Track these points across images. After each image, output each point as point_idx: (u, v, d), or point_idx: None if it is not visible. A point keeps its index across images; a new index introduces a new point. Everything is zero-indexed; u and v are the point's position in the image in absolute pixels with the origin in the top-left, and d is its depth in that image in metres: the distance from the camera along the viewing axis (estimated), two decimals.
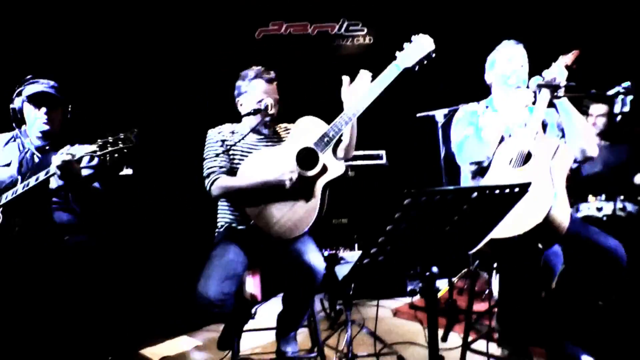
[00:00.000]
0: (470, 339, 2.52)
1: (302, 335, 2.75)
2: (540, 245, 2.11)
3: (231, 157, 2.51)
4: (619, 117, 3.05)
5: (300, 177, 2.31)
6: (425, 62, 2.33)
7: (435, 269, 1.57)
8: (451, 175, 3.39)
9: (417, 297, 3.66)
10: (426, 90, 4.39)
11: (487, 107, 2.58)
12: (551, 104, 2.32)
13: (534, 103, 2.35)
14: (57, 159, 2.21)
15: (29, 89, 2.51)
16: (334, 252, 3.67)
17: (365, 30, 4.96)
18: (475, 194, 1.36)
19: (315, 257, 2.29)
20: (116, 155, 2.17)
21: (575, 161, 2.33)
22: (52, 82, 2.57)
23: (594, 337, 2.43)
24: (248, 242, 2.44)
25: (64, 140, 2.60)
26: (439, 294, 3.58)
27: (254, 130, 2.55)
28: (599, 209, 3.24)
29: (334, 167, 2.32)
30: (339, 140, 2.36)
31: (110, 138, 2.17)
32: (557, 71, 2.27)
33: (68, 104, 2.62)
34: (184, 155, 3.15)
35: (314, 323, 2.59)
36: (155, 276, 3.47)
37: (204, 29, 4.79)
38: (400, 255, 1.49)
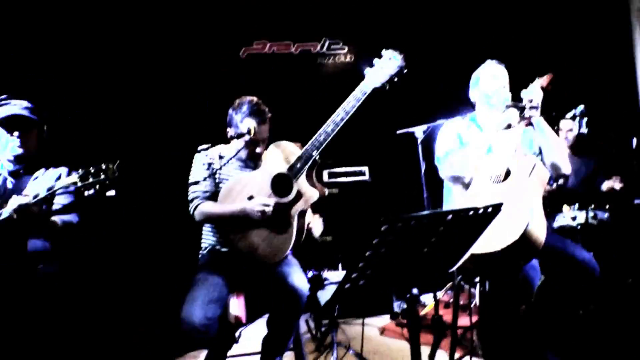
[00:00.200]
0: (456, 356, 2.52)
1: (288, 359, 2.72)
2: (520, 262, 2.14)
3: (217, 181, 2.51)
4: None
5: (277, 204, 2.30)
6: (396, 79, 2.29)
7: (415, 291, 1.58)
8: (432, 189, 3.41)
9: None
10: (406, 107, 4.44)
11: (471, 122, 2.62)
12: (530, 123, 2.38)
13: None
14: (14, 201, 2.14)
15: (1, 112, 2.41)
16: (317, 273, 3.66)
17: (347, 48, 5.04)
18: (450, 216, 1.37)
19: (298, 279, 2.29)
20: (97, 187, 2.12)
21: (550, 178, 2.39)
22: (25, 103, 2.48)
23: (574, 346, 2.47)
24: (232, 264, 2.42)
25: (38, 163, 2.52)
26: (425, 310, 3.58)
27: (238, 155, 2.54)
28: (574, 218, 3.38)
29: (308, 194, 2.30)
30: (316, 164, 2.36)
31: (92, 169, 2.11)
32: (534, 92, 2.33)
33: (43, 124, 2.53)
34: (168, 176, 3.14)
35: (299, 346, 2.56)
36: (138, 301, 3.43)
37: (188, 48, 4.82)
38: (381, 278, 1.50)
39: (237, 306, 3.54)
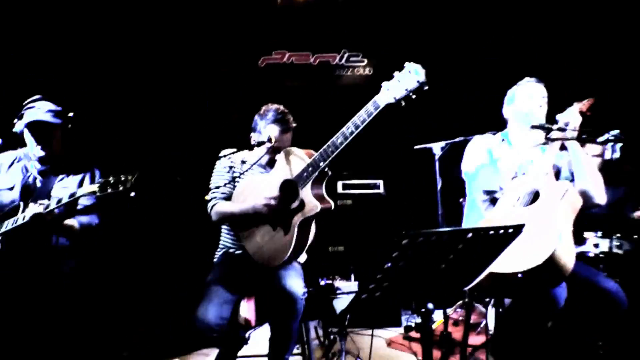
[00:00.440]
0: None
1: None
2: (546, 285, 2.09)
3: (236, 185, 2.59)
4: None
5: (280, 208, 2.34)
6: (414, 96, 2.09)
7: (430, 305, 1.60)
8: (447, 207, 3.43)
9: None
10: (424, 122, 4.47)
11: (502, 140, 2.59)
12: (564, 147, 2.35)
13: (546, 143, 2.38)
14: (30, 210, 2.25)
15: (27, 116, 2.50)
16: (330, 282, 3.68)
17: (366, 61, 5.08)
18: (470, 234, 1.40)
19: (293, 283, 2.32)
20: (114, 196, 2.17)
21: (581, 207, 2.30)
22: (50, 106, 2.55)
23: None
24: (243, 267, 2.49)
25: (64, 162, 2.60)
26: (434, 326, 3.58)
27: (259, 162, 2.61)
28: (596, 246, 3.23)
29: (310, 205, 2.29)
30: (326, 176, 2.37)
31: (111, 179, 2.16)
32: (571, 116, 2.31)
33: (67, 125, 2.60)
34: (186, 179, 3.19)
35: (308, 351, 2.59)
36: (149, 299, 3.47)
37: (209, 56, 4.90)
38: (397, 291, 1.52)
39: (247, 309, 3.57)
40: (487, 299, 3.65)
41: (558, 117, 2.35)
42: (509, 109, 2.61)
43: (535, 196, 2.25)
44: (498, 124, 2.71)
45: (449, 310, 3.85)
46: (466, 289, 1.73)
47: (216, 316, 2.23)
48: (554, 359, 2.35)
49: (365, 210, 4.19)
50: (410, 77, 2.07)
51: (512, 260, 1.91)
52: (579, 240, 3.24)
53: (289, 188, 2.35)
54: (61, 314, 2.31)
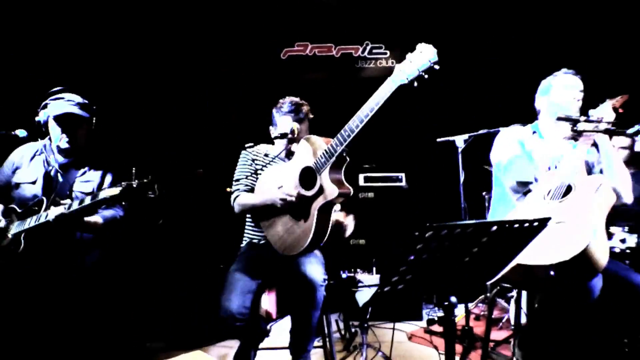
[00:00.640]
0: None
1: (317, 356, 2.76)
2: (578, 280, 2.05)
3: (258, 178, 2.62)
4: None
5: (300, 196, 2.35)
6: (425, 75, 2.07)
7: (453, 299, 1.59)
8: (470, 200, 3.40)
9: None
10: (447, 115, 4.42)
11: (534, 132, 2.54)
12: (595, 144, 2.31)
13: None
14: (52, 212, 2.27)
15: (55, 108, 2.50)
16: (352, 274, 3.68)
17: (388, 53, 5.04)
18: (495, 227, 1.38)
19: (312, 269, 2.34)
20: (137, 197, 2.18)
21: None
22: (78, 98, 2.56)
23: None
24: (266, 256, 2.52)
25: (87, 156, 2.61)
26: (456, 320, 3.55)
27: (280, 154, 2.65)
28: (623, 241, 3.16)
29: (328, 190, 2.29)
30: (344, 161, 2.36)
31: (134, 184, 2.16)
32: (604, 112, 2.27)
33: (93, 118, 2.62)
34: (209, 172, 3.23)
35: (329, 344, 2.60)
36: (172, 290, 3.52)
37: (230, 47, 4.93)
38: (420, 284, 1.52)
39: (268, 301, 3.60)
40: (509, 294, 3.62)
41: (591, 112, 2.31)
42: (543, 99, 2.54)
43: (567, 190, 2.21)
44: (522, 116, 2.66)
45: (471, 305, 3.83)
46: (489, 282, 1.70)
47: (239, 305, 2.27)
48: (581, 354, 2.31)
49: (387, 204, 4.17)
50: (421, 56, 2.06)
51: (545, 253, 1.89)
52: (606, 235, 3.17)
53: (308, 175, 2.37)
54: (85, 306, 2.35)
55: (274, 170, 2.56)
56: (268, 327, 2.69)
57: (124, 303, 3.02)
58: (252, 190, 2.60)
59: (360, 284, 3.54)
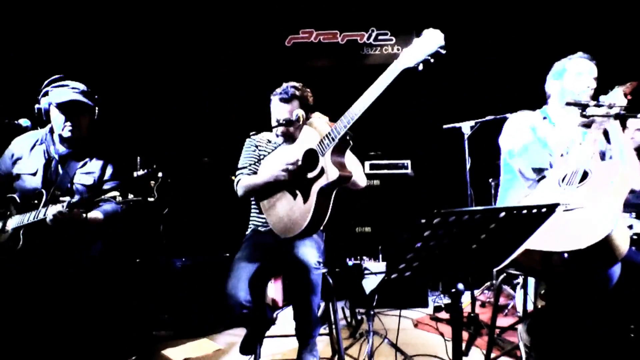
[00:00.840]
0: (493, 355, 2.50)
1: (323, 344, 2.77)
2: (598, 267, 2.03)
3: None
4: None
5: (301, 177, 2.36)
6: (432, 59, 2.07)
7: (460, 286, 1.58)
8: (476, 187, 3.38)
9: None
10: (453, 101, 4.39)
11: (544, 117, 2.50)
12: (606, 132, 2.28)
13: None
14: (50, 211, 2.23)
15: (57, 95, 2.44)
16: (358, 262, 3.68)
17: (394, 39, 4.99)
18: (502, 214, 1.36)
19: (305, 252, 2.33)
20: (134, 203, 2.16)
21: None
22: (81, 86, 2.50)
23: None
24: (269, 243, 2.52)
25: (88, 147, 2.56)
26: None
27: (278, 140, 2.64)
28: (630, 227, 3.14)
29: (328, 172, 2.29)
30: (348, 145, 2.34)
31: (133, 179, 2.14)
32: (616, 97, 2.24)
33: (96, 107, 2.57)
34: (215, 163, 3.23)
35: (335, 332, 2.60)
36: (179, 279, 3.53)
37: (235, 34, 4.89)
38: (427, 271, 1.50)
39: (274, 290, 3.60)
40: (515, 281, 3.61)
41: (602, 98, 2.27)
42: (555, 83, 2.50)
43: (584, 176, 2.18)
44: (529, 102, 2.62)
45: (477, 292, 3.83)
46: (496, 269, 1.69)
47: (246, 292, 2.28)
48: (587, 339, 2.29)
49: (393, 191, 4.16)
50: (428, 41, 2.07)
51: (565, 240, 1.88)
52: None
53: (311, 157, 2.37)
54: (91, 296, 2.35)
55: (277, 153, 2.56)
56: (274, 315, 2.70)
57: (130, 293, 3.03)
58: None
59: (366, 272, 3.54)
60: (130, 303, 2.91)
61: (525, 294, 2.70)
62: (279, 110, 2.57)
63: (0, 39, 4.05)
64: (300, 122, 2.53)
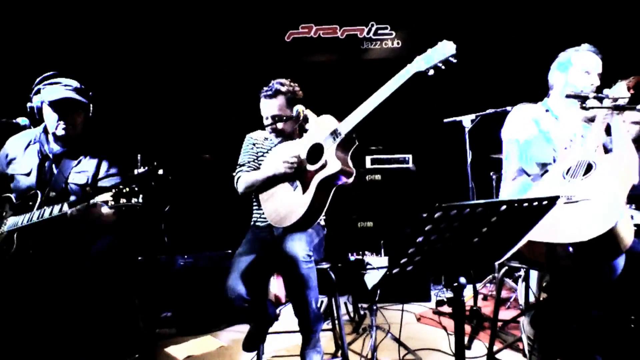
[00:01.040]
0: (495, 348, 2.50)
1: (326, 339, 2.77)
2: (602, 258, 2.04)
3: (260, 162, 2.65)
4: None
5: (302, 169, 2.37)
6: (442, 66, 2.13)
7: (462, 280, 1.58)
8: (478, 181, 3.38)
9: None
10: (454, 95, 4.37)
11: (546, 110, 2.48)
12: (608, 127, 2.27)
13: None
14: (51, 210, 2.21)
15: (50, 92, 2.37)
16: (360, 257, 3.69)
17: (394, 34, 4.97)
18: (504, 207, 1.36)
19: (293, 245, 2.31)
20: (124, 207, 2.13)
21: None
22: (74, 83, 2.43)
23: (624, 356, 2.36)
24: (267, 239, 2.54)
25: (82, 145, 2.50)
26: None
27: (272, 138, 2.66)
28: (631, 218, 3.14)
29: (330, 164, 2.31)
30: (354, 144, 2.37)
31: (125, 190, 2.10)
32: (620, 92, 2.23)
33: (90, 105, 2.50)
34: (215, 158, 3.22)
35: (338, 327, 2.61)
36: (181, 276, 3.53)
37: (234, 30, 4.88)
38: (429, 265, 1.50)
39: (276, 286, 3.62)
40: (517, 274, 3.61)
41: (605, 91, 2.27)
42: (559, 76, 2.46)
43: (588, 169, 2.17)
44: (530, 95, 2.61)
45: (479, 285, 3.83)
46: (497, 262, 1.69)
47: (243, 284, 2.29)
48: (589, 331, 2.29)
49: (395, 185, 4.15)
50: (441, 51, 2.11)
51: (571, 231, 1.89)
52: None
53: (316, 151, 2.39)
54: (94, 293, 2.33)
55: (282, 148, 2.57)
56: (277, 311, 2.71)
57: (132, 291, 3.03)
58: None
59: (368, 266, 3.54)
60: (133, 301, 2.91)
61: (527, 287, 2.70)
62: (265, 106, 2.59)
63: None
64: (301, 118, 2.54)
